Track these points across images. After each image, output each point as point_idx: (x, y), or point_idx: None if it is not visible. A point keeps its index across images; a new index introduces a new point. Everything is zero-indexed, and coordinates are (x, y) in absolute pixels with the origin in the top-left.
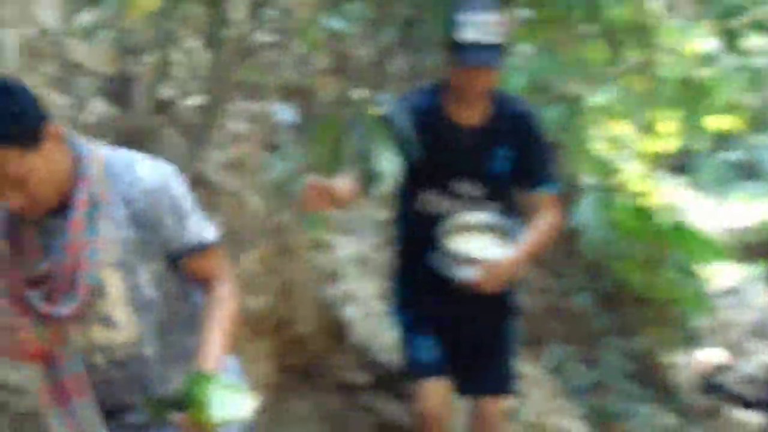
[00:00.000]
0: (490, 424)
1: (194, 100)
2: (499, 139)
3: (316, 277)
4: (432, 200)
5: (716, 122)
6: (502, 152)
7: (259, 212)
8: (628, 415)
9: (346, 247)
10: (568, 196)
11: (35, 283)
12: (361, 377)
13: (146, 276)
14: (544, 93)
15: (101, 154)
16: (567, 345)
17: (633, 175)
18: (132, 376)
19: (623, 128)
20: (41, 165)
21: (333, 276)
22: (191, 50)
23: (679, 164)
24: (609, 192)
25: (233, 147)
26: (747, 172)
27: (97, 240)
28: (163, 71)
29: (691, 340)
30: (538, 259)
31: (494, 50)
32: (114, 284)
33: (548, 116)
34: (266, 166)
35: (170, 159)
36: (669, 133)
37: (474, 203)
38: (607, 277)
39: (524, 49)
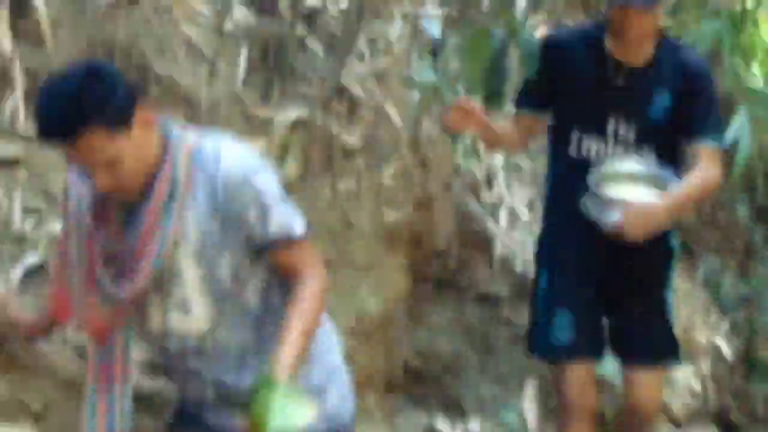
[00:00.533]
0: (645, 399)
1: (339, 9)
2: (660, 84)
3: (461, 188)
4: (585, 142)
5: None
6: (661, 97)
7: (400, 125)
8: None
9: (497, 155)
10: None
11: (110, 261)
12: (503, 289)
13: (226, 267)
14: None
15: (190, 140)
16: (720, 257)
17: None
18: (205, 366)
19: None
20: (130, 149)
21: (480, 186)
22: None
23: None
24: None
25: (379, 57)
26: None
27: (170, 228)
28: None
29: None
30: (689, 211)
31: None
32: (192, 272)
33: (707, 32)
34: (410, 80)
35: (313, 70)
36: None
37: (628, 147)
38: (765, 188)
39: None
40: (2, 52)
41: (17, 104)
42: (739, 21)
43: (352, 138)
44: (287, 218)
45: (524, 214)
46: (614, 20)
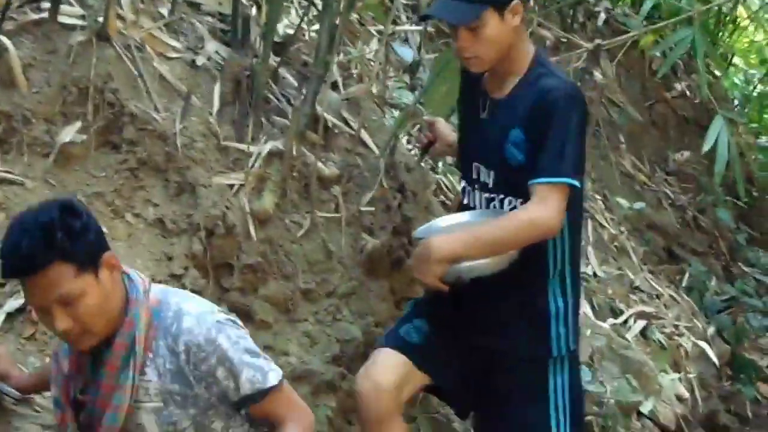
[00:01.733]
0: None
1: (311, 36)
2: (514, 118)
3: (439, 211)
4: (462, 186)
5: None
6: (516, 135)
7: (376, 151)
8: (765, 330)
9: None
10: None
11: (81, 408)
12: None
13: (190, 425)
14: (676, 13)
15: (152, 300)
16: (705, 261)
17: None
18: None
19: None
20: (95, 291)
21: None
22: None
23: None
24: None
25: (351, 86)
26: None
27: (127, 386)
28: (279, 9)
29: None
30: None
31: (459, 5)
32: (153, 429)
33: (681, 39)
34: (386, 103)
35: (287, 100)
36: None
37: (489, 192)
38: (746, 191)
39: None
40: None
41: None
42: (714, 28)
43: (328, 167)
44: (258, 372)
45: None
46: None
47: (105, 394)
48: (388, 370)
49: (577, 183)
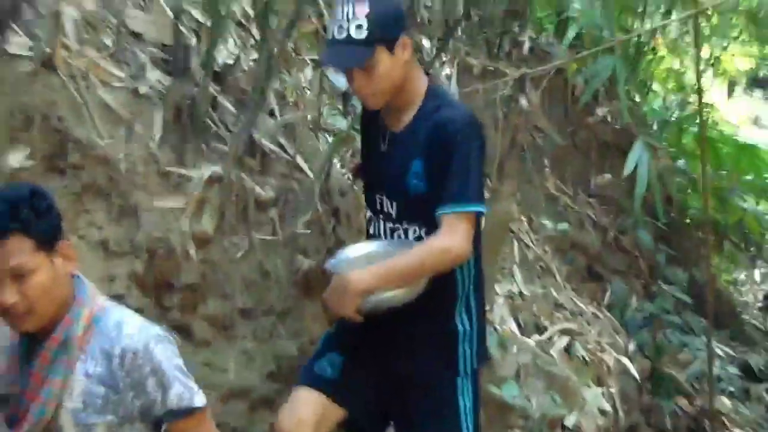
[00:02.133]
0: None
1: (247, 68)
2: (414, 150)
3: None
4: (368, 216)
5: None
6: (416, 166)
7: (311, 175)
8: (683, 346)
9: None
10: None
11: (6, 399)
12: None
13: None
14: (598, 43)
15: (96, 305)
16: (626, 280)
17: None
18: None
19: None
20: (47, 271)
21: None
22: (247, 17)
23: (758, 81)
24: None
25: (286, 112)
26: None
27: (56, 381)
28: (218, 37)
29: (754, 260)
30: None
31: (352, 49)
32: (70, 429)
33: (603, 67)
34: (321, 129)
35: (226, 127)
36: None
37: (393, 222)
38: (665, 212)
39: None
40: None
41: None
42: (634, 56)
43: (265, 191)
44: (187, 391)
45: None
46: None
47: (34, 386)
48: (307, 408)
49: (483, 209)
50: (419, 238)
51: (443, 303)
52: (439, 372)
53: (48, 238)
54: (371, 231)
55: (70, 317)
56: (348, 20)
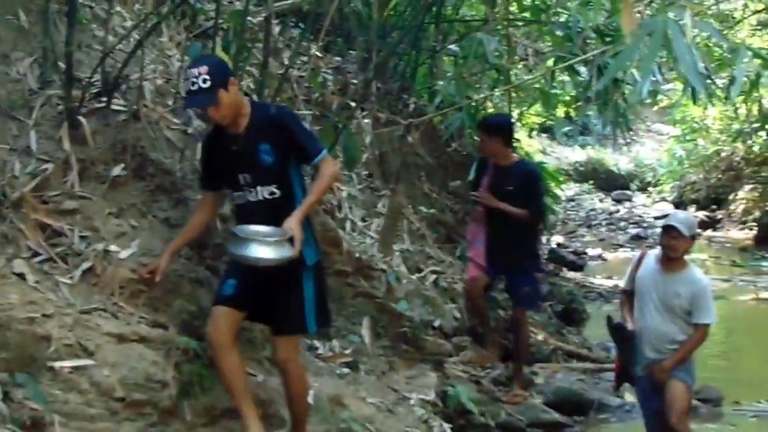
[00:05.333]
0: (282, 357)
1: None
2: (259, 138)
3: (322, 212)
4: (233, 193)
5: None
6: (264, 147)
7: None
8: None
9: (344, 191)
10: None
11: None
12: (348, 267)
13: None
14: (451, 105)
15: None
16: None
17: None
18: None
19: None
20: None
21: (334, 209)
22: (251, 86)
23: (545, 128)
24: None
25: None
26: (582, 131)
27: None
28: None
29: (545, 230)
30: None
31: (203, 95)
32: None
33: (455, 119)
34: None
35: None
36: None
37: (251, 187)
38: None
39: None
40: None
41: None
42: (474, 111)
43: None
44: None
45: (359, 225)
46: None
47: None
48: (220, 319)
49: (326, 150)
50: (272, 193)
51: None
52: (290, 267)
53: None
54: (238, 203)
55: None
56: (196, 78)
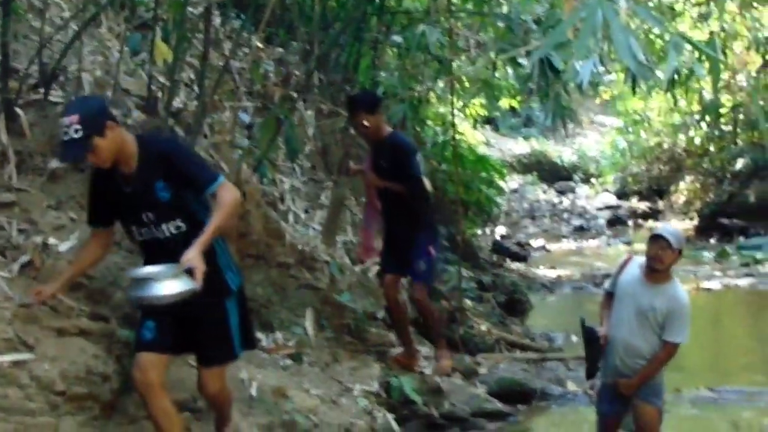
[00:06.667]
0: (211, 393)
1: (191, 110)
2: (152, 177)
3: (265, 204)
4: (140, 229)
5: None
6: (159, 184)
7: (231, 174)
8: (444, 271)
9: (286, 183)
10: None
11: None
12: (291, 259)
13: None
14: (394, 97)
15: None
16: None
17: (464, 129)
18: None
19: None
20: None
21: (276, 201)
22: (192, 77)
23: (489, 120)
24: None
25: (214, 136)
26: (526, 122)
27: None
28: (173, 93)
29: (489, 222)
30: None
31: (76, 145)
32: None
33: (398, 110)
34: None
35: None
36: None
37: (156, 225)
38: (435, 193)
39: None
40: None
41: None
42: (416, 104)
43: None
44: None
45: (301, 217)
46: None
47: None
48: (145, 364)
49: (222, 176)
50: (178, 227)
51: (214, 265)
52: (212, 296)
53: None
54: (141, 239)
55: None
56: (68, 127)
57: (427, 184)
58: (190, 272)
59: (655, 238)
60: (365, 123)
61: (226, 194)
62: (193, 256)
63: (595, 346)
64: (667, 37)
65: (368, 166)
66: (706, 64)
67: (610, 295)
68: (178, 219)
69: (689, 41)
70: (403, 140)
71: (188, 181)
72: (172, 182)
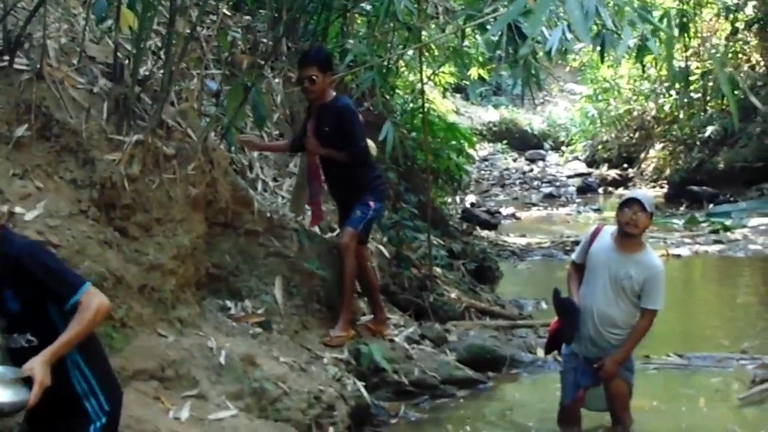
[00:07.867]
0: None
1: (158, 77)
2: (1, 285)
3: (233, 172)
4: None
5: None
6: (8, 295)
7: (195, 140)
8: (414, 239)
9: (255, 152)
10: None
11: None
12: (259, 227)
13: None
14: (363, 64)
15: None
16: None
17: (433, 97)
18: None
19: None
20: None
21: (245, 169)
22: (159, 45)
23: (458, 88)
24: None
25: (181, 103)
26: (496, 91)
27: None
28: (140, 60)
29: (459, 190)
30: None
31: None
32: None
33: (367, 78)
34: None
35: (145, 112)
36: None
37: (12, 335)
38: (404, 162)
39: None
40: None
41: None
42: (385, 71)
43: (169, 149)
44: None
45: (270, 185)
46: None
47: None
48: None
49: (88, 282)
50: (28, 341)
51: (58, 376)
52: (70, 423)
53: None
54: (8, 344)
55: None
56: None
57: (372, 148)
58: (30, 382)
59: (629, 202)
60: (314, 77)
61: (91, 304)
62: (37, 364)
63: (574, 316)
64: (628, 9)
65: (311, 130)
66: (663, 35)
67: (577, 266)
68: (29, 333)
69: (645, 18)
70: (348, 105)
71: (45, 293)
72: (23, 293)
